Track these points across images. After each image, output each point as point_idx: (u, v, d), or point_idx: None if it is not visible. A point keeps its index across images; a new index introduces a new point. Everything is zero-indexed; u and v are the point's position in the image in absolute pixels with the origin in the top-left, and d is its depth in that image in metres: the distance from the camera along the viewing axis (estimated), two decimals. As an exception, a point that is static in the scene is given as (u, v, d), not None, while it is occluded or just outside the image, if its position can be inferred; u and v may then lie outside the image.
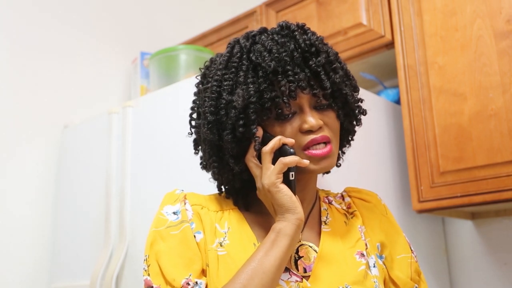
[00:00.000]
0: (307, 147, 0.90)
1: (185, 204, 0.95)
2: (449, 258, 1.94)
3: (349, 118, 0.99)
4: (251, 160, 0.91)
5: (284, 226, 0.86)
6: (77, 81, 2.22)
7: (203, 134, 0.94)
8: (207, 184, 1.05)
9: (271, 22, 2.11)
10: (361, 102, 1.01)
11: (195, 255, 0.90)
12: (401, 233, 1.05)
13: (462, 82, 1.61)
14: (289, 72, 0.88)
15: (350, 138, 1.03)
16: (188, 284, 0.86)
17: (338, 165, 1.06)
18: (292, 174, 0.89)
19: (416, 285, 0.99)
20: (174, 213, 0.94)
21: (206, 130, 0.93)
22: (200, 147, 1.01)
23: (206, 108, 0.93)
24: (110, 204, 1.74)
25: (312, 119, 0.89)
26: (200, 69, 1.02)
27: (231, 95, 0.90)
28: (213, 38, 2.35)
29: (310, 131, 0.90)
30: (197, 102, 1.00)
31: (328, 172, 1.07)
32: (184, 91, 1.44)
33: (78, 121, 2.08)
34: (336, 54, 0.97)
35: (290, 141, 0.89)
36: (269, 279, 0.83)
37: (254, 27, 2.14)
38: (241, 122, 0.89)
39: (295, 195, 0.88)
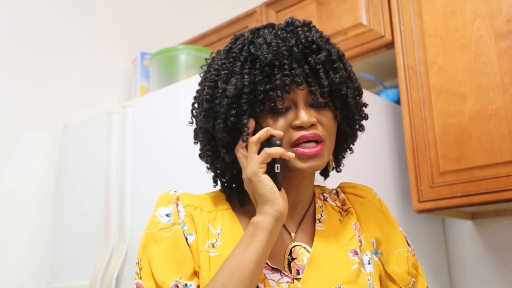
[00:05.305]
0: (296, 143, 0.89)
1: (177, 205, 0.94)
2: (449, 258, 1.94)
3: (348, 121, 0.96)
4: (239, 151, 0.91)
5: (262, 219, 0.85)
6: (77, 81, 2.22)
7: (199, 122, 0.95)
8: (206, 184, 1.05)
9: (271, 22, 2.11)
10: (365, 107, 0.99)
11: (185, 258, 0.89)
12: (397, 227, 1.03)
13: (462, 82, 1.61)
14: (286, 66, 0.87)
15: (350, 143, 1.01)
16: (177, 286, 0.86)
17: (339, 171, 1.04)
18: (277, 167, 0.87)
19: (413, 279, 0.97)
20: (166, 215, 0.93)
21: (201, 118, 0.93)
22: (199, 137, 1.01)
23: (203, 97, 0.93)
24: (110, 204, 1.74)
25: (304, 116, 0.88)
26: (205, 59, 1.02)
27: (226, 84, 0.90)
28: (213, 38, 2.35)
29: (301, 128, 0.88)
30: (199, 92, 0.99)
31: (327, 176, 1.06)
32: (184, 91, 1.43)
33: (78, 121, 2.08)
34: (341, 54, 0.95)
35: (278, 133, 0.88)
36: (248, 275, 0.81)
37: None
38: (233, 111, 0.89)
39: (280, 188, 0.87)
